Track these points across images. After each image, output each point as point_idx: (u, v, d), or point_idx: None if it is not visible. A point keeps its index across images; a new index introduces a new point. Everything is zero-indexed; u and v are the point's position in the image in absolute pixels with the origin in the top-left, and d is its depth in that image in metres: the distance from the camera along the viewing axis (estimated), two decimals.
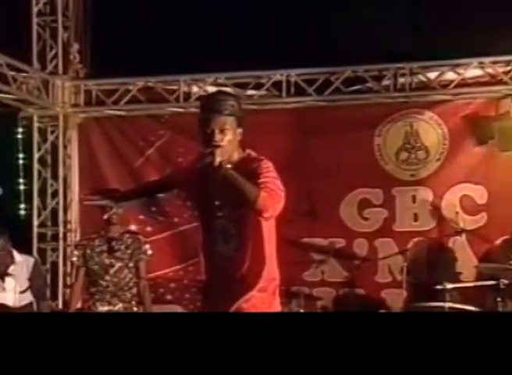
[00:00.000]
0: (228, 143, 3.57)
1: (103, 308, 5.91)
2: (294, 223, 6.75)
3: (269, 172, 3.57)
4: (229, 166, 3.52)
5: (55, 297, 8.13)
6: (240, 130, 3.64)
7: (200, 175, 3.67)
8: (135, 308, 6.00)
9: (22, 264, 6.58)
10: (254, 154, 3.70)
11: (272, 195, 3.50)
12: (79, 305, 6.25)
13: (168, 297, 8.00)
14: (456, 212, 7.50)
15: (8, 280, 6.37)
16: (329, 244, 7.70)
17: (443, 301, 6.25)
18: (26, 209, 8.39)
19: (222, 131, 3.56)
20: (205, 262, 3.76)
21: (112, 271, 5.94)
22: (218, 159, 3.48)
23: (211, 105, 3.63)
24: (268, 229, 3.66)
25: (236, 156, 3.63)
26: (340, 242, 7.74)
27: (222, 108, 3.57)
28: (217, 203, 3.66)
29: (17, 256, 6.60)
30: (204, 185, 3.68)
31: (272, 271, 3.70)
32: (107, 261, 5.96)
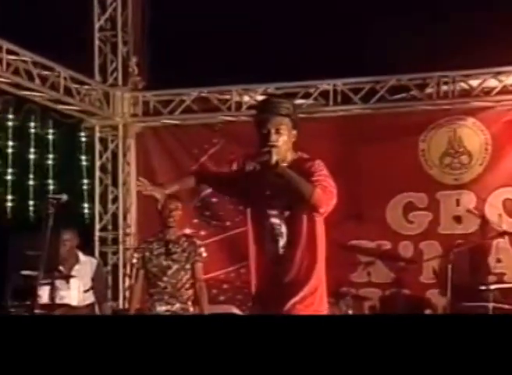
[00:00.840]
0: (283, 143, 3.67)
1: (161, 308, 6.01)
2: (342, 225, 6.94)
3: (322, 170, 3.68)
4: (285, 164, 3.64)
5: (115, 297, 8.33)
6: (294, 132, 3.74)
7: (252, 175, 3.76)
8: (191, 309, 6.09)
9: (86, 264, 6.82)
10: (305, 155, 3.79)
11: (326, 192, 3.61)
12: (138, 305, 6.34)
13: (222, 298, 8.14)
14: (499, 215, 7.61)
15: (72, 279, 6.60)
16: (376, 246, 7.83)
17: (487, 301, 6.42)
18: (89, 214, 8.67)
19: (277, 131, 3.66)
20: (255, 262, 3.80)
21: (169, 273, 6.05)
22: (274, 158, 3.56)
23: (267, 106, 3.75)
24: (321, 229, 3.72)
25: (289, 157, 3.71)
26: (386, 244, 7.85)
27: (277, 109, 3.68)
28: (268, 203, 3.72)
29: (81, 256, 6.84)
30: (256, 185, 3.75)
31: (321, 271, 3.75)
32: (165, 263, 6.07)
